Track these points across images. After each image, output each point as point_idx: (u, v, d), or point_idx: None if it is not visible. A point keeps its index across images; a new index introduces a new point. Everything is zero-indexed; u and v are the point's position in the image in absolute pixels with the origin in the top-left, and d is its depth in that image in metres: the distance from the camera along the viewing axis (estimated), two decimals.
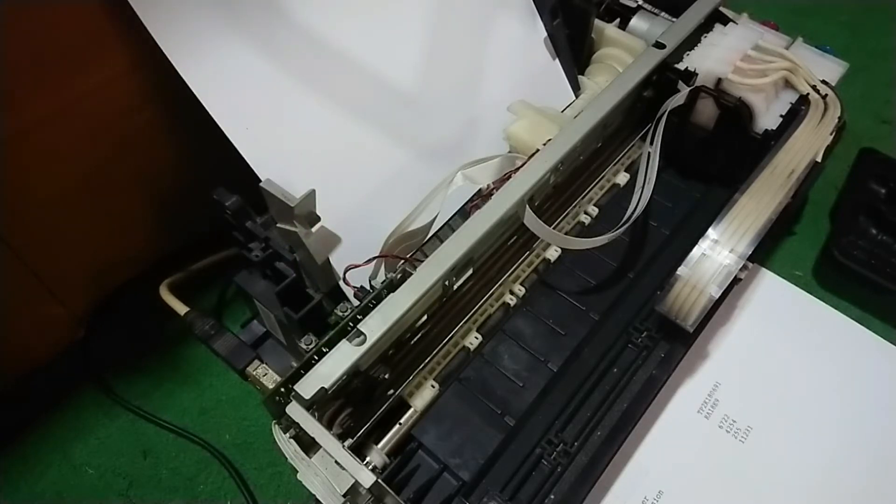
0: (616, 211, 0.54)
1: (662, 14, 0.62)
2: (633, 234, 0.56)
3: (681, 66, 0.55)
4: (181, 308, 0.47)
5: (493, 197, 0.44)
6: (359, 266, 0.44)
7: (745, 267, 0.46)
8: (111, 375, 0.56)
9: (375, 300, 0.40)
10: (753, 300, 0.59)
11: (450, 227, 0.50)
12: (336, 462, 0.36)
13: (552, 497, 0.43)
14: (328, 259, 0.44)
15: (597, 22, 0.60)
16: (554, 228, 0.53)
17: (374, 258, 0.44)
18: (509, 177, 0.46)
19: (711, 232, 0.47)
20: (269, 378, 0.42)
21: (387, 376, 0.44)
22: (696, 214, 0.58)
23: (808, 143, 0.51)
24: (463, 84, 0.53)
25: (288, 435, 0.38)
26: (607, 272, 0.54)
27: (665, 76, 0.55)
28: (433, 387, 0.46)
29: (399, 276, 0.42)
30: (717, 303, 0.46)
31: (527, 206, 0.45)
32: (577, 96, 0.59)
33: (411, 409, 0.45)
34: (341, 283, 0.44)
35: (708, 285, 0.45)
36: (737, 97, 0.54)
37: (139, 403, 0.54)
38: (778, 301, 0.60)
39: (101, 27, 0.41)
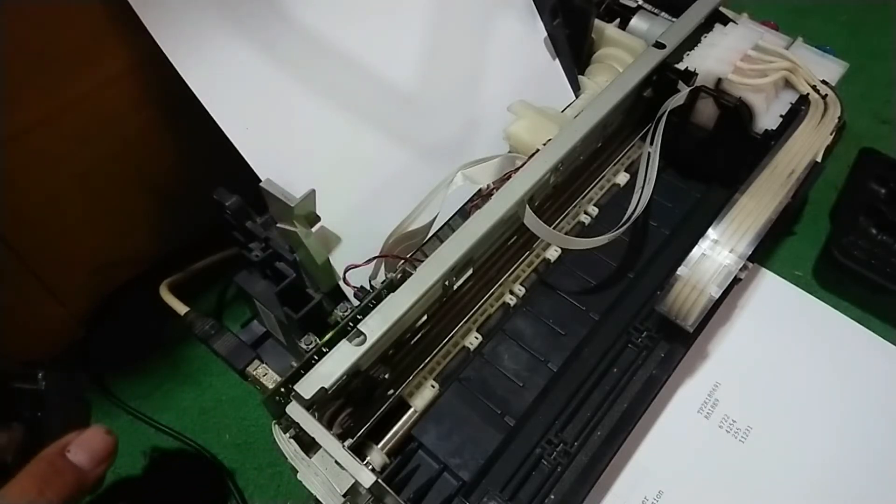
0: (616, 211, 0.54)
1: (662, 14, 0.61)
2: (633, 234, 0.56)
3: (681, 66, 0.55)
4: (181, 308, 0.47)
5: (493, 197, 0.44)
6: (359, 266, 0.44)
7: (745, 267, 0.46)
8: (111, 375, 0.56)
9: (375, 300, 0.40)
10: (753, 300, 0.59)
11: (450, 227, 0.50)
12: (336, 462, 0.36)
13: (552, 497, 0.43)
14: (328, 259, 0.44)
15: (597, 22, 0.60)
16: (554, 228, 0.53)
17: (374, 258, 0.44)
18: (509, 177, 0.46)
19: (711, 232, 0.47)
20: (269, 378, 0.42)
21: (387, 376, 0.44)
22: (696, 214, 0.58)
23: (808, 143, 0.51)
24: (463, 84, 0.53)
25: (288, 435, 0.37)
26: (607, 272, 0.54)
27: (665, 76, 0.55)
28: (433, 387, 0.46)
29: (399, 276, 0.42)
30: (717, 303, 0.46)
31: (527, 206, 0.45)
32: (577, 96, 0.59)
33: (411, 409, 0.45)
34: (341, 283, 0.44)
35: (708, 285, 0.45)
36: (737, 97, 0.54)
37: (139, 403, 0.54)
38: (778, 301, 0.60)
39: (100, 27, 0.41)
